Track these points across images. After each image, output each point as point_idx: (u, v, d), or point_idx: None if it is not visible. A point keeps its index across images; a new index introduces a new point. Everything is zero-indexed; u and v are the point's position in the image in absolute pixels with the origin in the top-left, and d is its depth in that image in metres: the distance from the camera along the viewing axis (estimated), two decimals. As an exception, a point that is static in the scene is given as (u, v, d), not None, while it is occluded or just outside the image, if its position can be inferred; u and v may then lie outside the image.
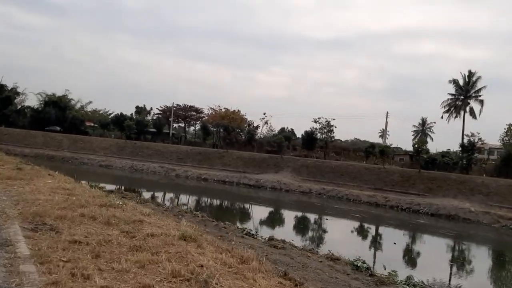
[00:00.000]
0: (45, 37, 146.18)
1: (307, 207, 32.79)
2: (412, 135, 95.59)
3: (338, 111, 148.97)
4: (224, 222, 15.81)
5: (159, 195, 33.20)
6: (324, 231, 23.93)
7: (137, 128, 59.58)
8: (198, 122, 73.04)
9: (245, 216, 26.07)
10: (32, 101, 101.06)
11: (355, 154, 65.39)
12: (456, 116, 50.58)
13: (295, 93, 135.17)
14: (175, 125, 70.16)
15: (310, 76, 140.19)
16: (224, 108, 65.35)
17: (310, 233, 22.08)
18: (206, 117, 68.83)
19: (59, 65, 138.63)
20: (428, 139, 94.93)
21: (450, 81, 49.93)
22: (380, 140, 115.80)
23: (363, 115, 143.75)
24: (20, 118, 73.56)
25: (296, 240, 16.35)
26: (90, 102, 77.20)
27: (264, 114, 60.44)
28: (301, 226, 24.62)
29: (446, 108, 50.91)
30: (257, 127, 64.36)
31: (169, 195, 33.84)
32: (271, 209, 31.53)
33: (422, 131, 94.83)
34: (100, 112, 72.51)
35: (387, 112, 63.81)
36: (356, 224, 27.37)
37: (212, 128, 61.95)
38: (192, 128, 76.94)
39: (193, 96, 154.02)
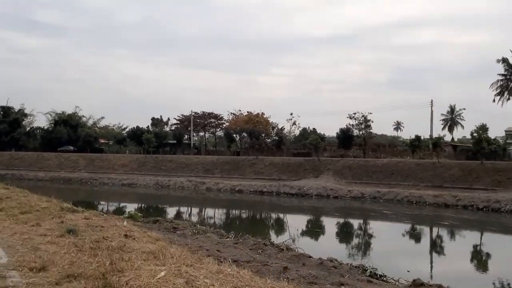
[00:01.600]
0: (46, 58, 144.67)
1: (377, 217, 28.42)
2: (442, 124, 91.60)
3: (342, 107, 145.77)
4: (330, 259, 11.78)
5: (201, 214, 29.50)
6: (449, 251, 18.85)
7: (156, 141, 55.93)
8: (218, 129, 69.35)
9: (326, 238, 20.91)
10: (41, 121, 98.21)
11: (392, 149, 61.17)
12: (509, 98, 46.05)
13: (298, 93, 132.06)
14: (197, 134, 66.50)
15: (312, 74, 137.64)
16: (247, 112, 61.52)
17: (436, 260, 16.89)
18: (227, 123, 65.08)
19: (63, 85, 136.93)
20: (459, 127, 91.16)
21: (498, 61, 45.46)
22: (395, 133, 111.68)
23: (368, 108, 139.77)
24: (30, 140, 70.63)
25: (430, 274, 12.33)
26: (103, 117, 74.00)
27: (291, 114, 56.53)
28: (405, 246, 19.75)
29: (498, 90, 46.39)
30: (281, 129, 60.60)
31: (213, 214, 29.99)
32: (339, 222, 27.04)
33: (451, 119, 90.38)
34: (114, 127, 69.19)
35: (432, 100, 59.20)
36: (469, 236, 22.62)
37: (234, 135, 58.05)
38: (211, 136, 73.12)
39: (198, 104, 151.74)
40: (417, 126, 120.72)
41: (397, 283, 10.05)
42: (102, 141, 71.21)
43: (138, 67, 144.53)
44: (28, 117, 76.14)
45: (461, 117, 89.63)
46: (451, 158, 51.39)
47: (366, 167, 42.62)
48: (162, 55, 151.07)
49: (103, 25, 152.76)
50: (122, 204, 34.24)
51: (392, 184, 38.63)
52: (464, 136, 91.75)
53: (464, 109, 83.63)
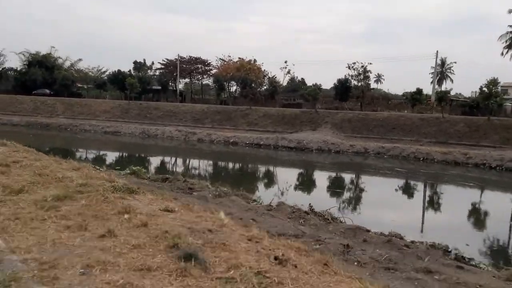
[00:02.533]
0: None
1: (395, 175, 26.09)
2: (431, 77, 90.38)
3: (319, 58, 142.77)
4: (396, 235, 9.84)
5: (202, 169, 27.28)
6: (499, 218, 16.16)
7: (140, 86, 52.43)
8: (205, 76, 65.84)
9: (360, 202, 18.10)
10: (13, 62, 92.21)
11: (386, 102, 59.38)
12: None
13: (274, 42, 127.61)
14: (182, 80, 62.94)
15: (289, 23, 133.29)
16: (239, 58, 58.00)
17: (492, 230, 14.03)
18: (216, 70, 61.62)
19: (32, 26, 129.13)
20: (448, 81, 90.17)
21: (510, 11, 42.90)
22: (375, 86, 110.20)
23: (345, 60, 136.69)
24: (1, 81, 65.97)
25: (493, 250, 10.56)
26: (80, 59, 69.22)
27: (286, 62, 53.64)
28: (446, 213, 17.25)
29: (508, 43, 44.23)
30: (273, 77, 57.60)
31: (216, 169, 27.71)
32: (361, 181, 24.54)
33: (441, 73, 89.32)
34: (93, 71, 64.85)
35: (437, 51, 56.85)
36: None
37: (225, 82, 54.94)
38: (196, 83, 69.40)
39: (168, 51, 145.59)
40: (396, 79, 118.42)
41: (488, 269, 8.19)
42: (79, 85, 67.04)
43: (107, 9, 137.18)
44: (-1, 57, 70.82)
45: (451, 71, 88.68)
46: (447, 113, 50.08)
47: (366, 121, 40.85)
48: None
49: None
50: (111, 154, 31.72)
51: (394, 139, 37.15)
52: (446, 88, 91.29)
53: (455, 62, 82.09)
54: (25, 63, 65.92)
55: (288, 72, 53.59)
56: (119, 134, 43.03)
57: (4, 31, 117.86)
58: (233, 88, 58.15)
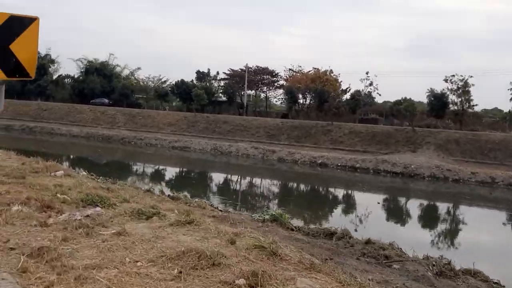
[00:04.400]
0: (58, 8, 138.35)
1: None
2: (511, 93, 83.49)
3: (362, 71, 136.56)
4: None
5: (318, 202, 23.05)
6: None
7: (207, 98, 49.34)
8: (271, 88, 62.22)
9: None
10: (67, 69, 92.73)
11: (479, 121, 53.54)
12: None
13: (315, 55, 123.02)
14: (249, 92, 59.47)
15: (330, 37, 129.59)
16: (313, 68, 54.04)
17: None
18: (284, 82, 58.02)
19: (78, 36, 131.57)
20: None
21: None
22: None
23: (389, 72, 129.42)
24: (58, 89, 64.90)
25: None
26: (139, 68, 67.46)
27: (367, 73, 49.24)
28: None
29: None
30: (346, 90, 52.98)
31: (337, 206, 23.43)
32: None
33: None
34: (155, 80, 62.68)
35: None
36: None
37: (298, 94, 50.99)
38: (259, 95, 65.81)
39: (212, 61, 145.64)
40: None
41: None
42: (137, 95, 65.01)
43: (153, 21, 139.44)
44: (54, 64, 70.24)
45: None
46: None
47: (478, 143, 35.57)
48: (174, 10, 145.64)
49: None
50: (196, 177, 28.35)
51: (517, 166, 31.74)
52: None
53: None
54: (82, 70, 64.68)
55: (371, 84, 49.05)
56: (188, 150, 39.76)
57: (55, 40, 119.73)
58: (301, 101, 54.26)
